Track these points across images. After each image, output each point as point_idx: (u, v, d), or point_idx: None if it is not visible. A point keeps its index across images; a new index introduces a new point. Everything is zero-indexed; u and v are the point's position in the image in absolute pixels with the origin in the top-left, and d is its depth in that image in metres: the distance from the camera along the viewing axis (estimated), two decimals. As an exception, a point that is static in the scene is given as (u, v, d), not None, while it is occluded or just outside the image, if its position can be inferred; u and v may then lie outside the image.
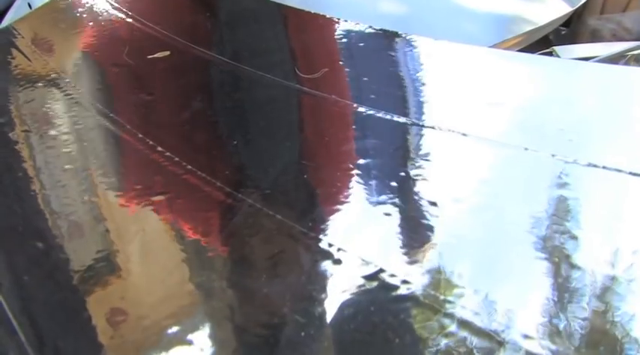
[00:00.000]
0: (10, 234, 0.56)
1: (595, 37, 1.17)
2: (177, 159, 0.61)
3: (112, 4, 1.00)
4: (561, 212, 0.53)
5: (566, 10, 1.13)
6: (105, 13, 0.99)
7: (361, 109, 0.68)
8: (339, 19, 0.88)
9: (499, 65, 0.74)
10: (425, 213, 0.52)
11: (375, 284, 0.45)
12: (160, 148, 0.65)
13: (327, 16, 0.89)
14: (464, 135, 0.62)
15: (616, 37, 1.05)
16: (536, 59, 0.74)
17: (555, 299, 0.45)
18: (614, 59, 0.85)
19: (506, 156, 0.58)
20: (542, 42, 1.10)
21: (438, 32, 1.00)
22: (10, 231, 0.57)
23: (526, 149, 0.58)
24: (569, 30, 1.19)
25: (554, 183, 0.55)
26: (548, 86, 0.67)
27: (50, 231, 0.56)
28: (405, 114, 0.66)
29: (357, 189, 0.56)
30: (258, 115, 0.71)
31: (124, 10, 0.99)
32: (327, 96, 0.70)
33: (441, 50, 0.78)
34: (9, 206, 0.60)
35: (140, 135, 0.67)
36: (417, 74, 0.75)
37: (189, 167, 0.60)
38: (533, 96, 0.66)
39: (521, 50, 1.00)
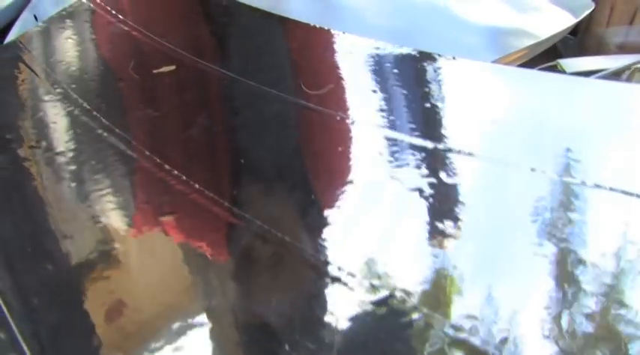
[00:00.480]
0: (20, 255, 0.56)
1: (601, 49, 1.17)
2: (184, 177, 0.62)
3: (117, 18, 1.01)
4: (568, 234, 0.53)
5: (570, 21, 1.13)
6: (111, 27, 0.99)
7: (367, 127, 0.69)
8: (343, 32, 0.88)
9: (503, 82, 0.74)
10: (433, 235, 0.52)
11: (384, 310, 0.45)
12: (167, 166, 0.65)
13: (332, 30, 0.89)
14: (470, 154, 0.62)
15: (622, 50, 1.05)
16: (541, 76, 0.74)
17: (565, 326, 0.45)
18: (619, 72, 0.85)
19: (513, 177, 0.59)
20: (550, 51, 1.10)
21: (440, 45, 1.00)
22: (19, 251, 0.57)
23: (533, 169, 0.58)
24: (576, 40, 1.19)
25: (561, 204, 0.55)
26: (553, 104, 0.67)
27: (59, 252, 0.56)
28: (411, 133, 0.66)
29: (366, 211, 0.57)
30: (264, 133, 0.71)
31: (130, 23, 0.99)
32: (332, 114, 0.71)
33: (445, 66, 0.78)
34: (18, 225, 0.60)
35: (147, 153, 0.67)
36: (422, 91, 0.75)
37: (197, 186, 0.60)
38: (539, 115, 0.66)
39: (526, 62, 1.00)
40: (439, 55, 0.80)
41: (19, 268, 0.55)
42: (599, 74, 0.83)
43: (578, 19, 1.13)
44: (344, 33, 0.88)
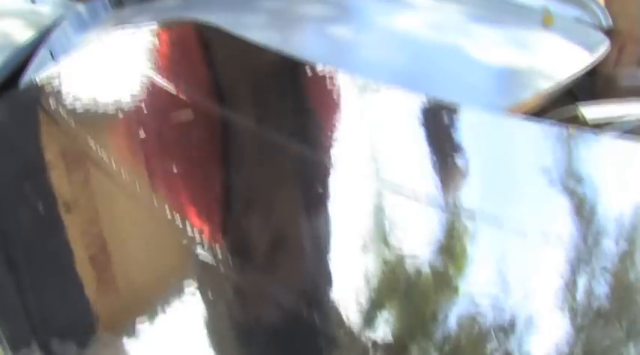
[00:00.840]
0: (49, 320, 0.56)
1: (610, 90, 1.17)
2: (207, 244, 0.61)
3: (133, 60, 1.01)
4: (585, 309, 0.52)
5: (587, 60, 1.12)
6: (126, 70, 0.99)
7: (373, 180, 0.67)
8: (367, 79, 0.86)
9: (521, 138, 0.72)
10: (435, 304, 0.52)
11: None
12: (189, 229, 0.64)
13: (343, 72, 0.87)
14: (486, 216, 0.61)
15: (631, 92, 1.04)
16: (561, 134, 0.72)
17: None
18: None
19: (525, 246, 0.57)
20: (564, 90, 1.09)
21: (452, 88, 0.99)
22: (48, 317, 0.56)
23: (544, 236, 0.57)
24: (590, 79, 1.18)
25: (577, 274, 0.54)
26: (573, 165, 0.66)
27: (88, 319, 0.56)
28: (421, 189, 0.65)
29: (377, 275, 0.56)
30: (286, 188, 0.70)
31: (147, 66, 0.99)
32: (342, 167, 0.69)
33: (460, 117, 0.77)
34: (51, 299, 0.59)
35: (168, 215, 0.67)
36: (435, 143, 0.74)
37: (220, 256, 0.59)
38: (558, 177, 0.64)
39: (544, 109, 0.99)
40: (454, 105, 0.78)
41: (51, 334, 0.54)
42: (624, 126, 0.82)
43: (595, 58, 1.12)
44: (354, 75, 0.87)
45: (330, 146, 0.74)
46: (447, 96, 0.89)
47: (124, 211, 0.71)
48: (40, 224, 0.71)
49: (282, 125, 0.80)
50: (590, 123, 0.87)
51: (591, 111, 0.89)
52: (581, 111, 0.89)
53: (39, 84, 0.98)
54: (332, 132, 0.79)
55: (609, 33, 1.29)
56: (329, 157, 0.72)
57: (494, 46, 1.16)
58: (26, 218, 0.72)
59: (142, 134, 0.84)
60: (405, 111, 0.80)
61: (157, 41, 1.07)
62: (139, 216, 0.70)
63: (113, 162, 0.77)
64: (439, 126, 0.78)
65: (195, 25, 1.08)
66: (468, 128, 0.77)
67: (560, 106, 1.04)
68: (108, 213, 0.72)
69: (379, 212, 0.66)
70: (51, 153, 0.82)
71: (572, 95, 1.12)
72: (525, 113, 0.95)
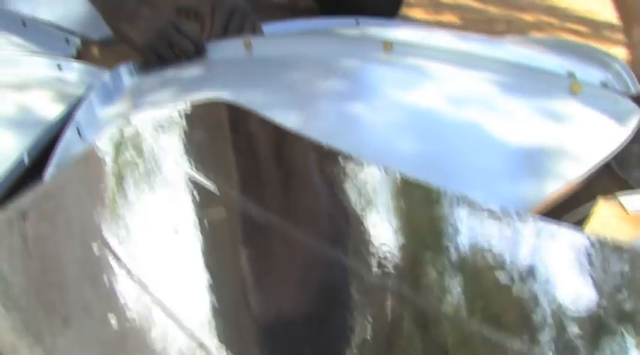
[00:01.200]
0: None
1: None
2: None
3: (158, 145, 0.99)
4: None
5: (620, 135, 1.09)
6: (151, 155, 0.98)
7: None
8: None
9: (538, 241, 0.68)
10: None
11: None
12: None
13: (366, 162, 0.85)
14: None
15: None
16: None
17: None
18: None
19: None
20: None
21: (473, 176, 0.96)
22: None
23: None
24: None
25: None
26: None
27: None
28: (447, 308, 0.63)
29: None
30: (325, 317, 0.68)
31: (174, 152, 0.99)
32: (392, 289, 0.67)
33: (480, 219, 0.74)
34: None
35: (192, 329, 0.65)
36: (455, 253, 0.71)
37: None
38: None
39: (581, 189, 0.96)
40: (474, 203, 0.74)
41: None
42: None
43: (628, 132, 1.09)
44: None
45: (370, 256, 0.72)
46: (465, 184, 0.87)
47: (152, 326, 0.70)
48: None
49: (318, 228, 0.79)
50: (632, 215, 0.84)
51: (632, 201, 0.86)
52: (621, 202, 0.86)
53: (64, 178, 0.96)
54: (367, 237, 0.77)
55: (638, 99, 1.26)
56: (368, 267, 0.70)
57: (518, 123, 1.12)
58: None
59: (173, 238, 0.82)
60: (429, 208, 0.78)
61: (184, 123, 1.07)
62: (166, 331, 0.68)
63: (142, 276, 0.75)
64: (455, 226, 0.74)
65: (224, 106, 1.08)
66: (486, 232, 0.73)
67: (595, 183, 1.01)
68: (139, 327, 0.70)
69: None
70: (77, 264, 0.80)
71: (609, 167, 1.09)
72: (555, 202, 0.92)
